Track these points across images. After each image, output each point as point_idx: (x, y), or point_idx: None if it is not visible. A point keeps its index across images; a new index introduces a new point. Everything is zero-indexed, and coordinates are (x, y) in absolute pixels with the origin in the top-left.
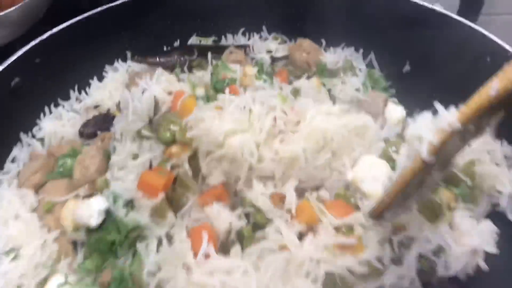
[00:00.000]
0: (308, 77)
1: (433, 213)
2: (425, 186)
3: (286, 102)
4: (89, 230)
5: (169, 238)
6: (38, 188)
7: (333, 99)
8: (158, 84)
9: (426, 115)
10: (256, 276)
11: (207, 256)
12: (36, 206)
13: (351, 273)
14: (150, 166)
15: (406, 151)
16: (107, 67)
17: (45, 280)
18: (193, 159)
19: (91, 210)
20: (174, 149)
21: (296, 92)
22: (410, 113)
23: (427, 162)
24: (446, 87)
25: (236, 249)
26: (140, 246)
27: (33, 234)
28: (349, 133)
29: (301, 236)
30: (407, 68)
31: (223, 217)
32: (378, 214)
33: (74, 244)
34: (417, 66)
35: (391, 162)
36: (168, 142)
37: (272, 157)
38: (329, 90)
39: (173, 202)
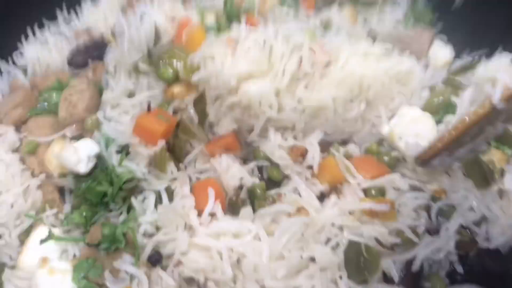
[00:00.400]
0: (340, 4)
1: (483, 177)
2: (481, 138)
3: (314, 38)
4: (78, 177)
5: (170, 193)
6: (19, 125)
7: (371, 34)
8: (160, 9)
9: (503, 57)
10: (269, 242)
11: (213, 216)
12: (18, 146)
13: (379, 243)
14: (149, 108)
15: (471, 94)
16: None
17: (28, 232)
18: (200, 102)
19: (79, 154)
20: (176, 89)
21: (326, 25)
22: (458, 53)
23: (497, 108)
24: (504, 26)
25: (246, 210)
26: (135, 201)
27: (14, 179)
28: (389, 80)
29: (322, 198)
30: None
31: (233, 172)
32: (425, 161)
33: (61, 192)
34: None
35: (437, 115)
36: (170, 80)
37: (295, 106)
38: (364, 21)
39: (175, 151)
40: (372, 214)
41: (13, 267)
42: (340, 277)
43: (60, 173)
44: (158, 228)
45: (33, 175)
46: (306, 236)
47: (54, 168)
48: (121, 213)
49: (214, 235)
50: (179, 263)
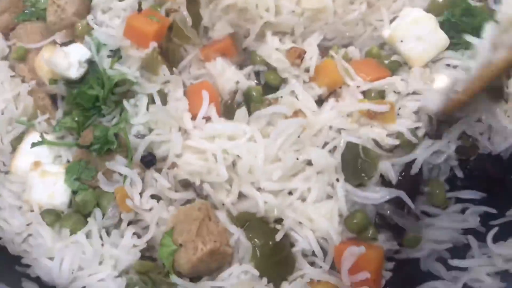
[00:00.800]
0: None
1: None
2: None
3: None
4: (69, 83)
5: (163, 96)
6: (7, 32)
7: None
8: None
9: None
10: (264, 143)
11: (207, 119)
12: (7, 54)
13: (377, 145)
14: (139, 9)
15: (492, 37)
16: None
17: (20, 138)
18: (193, 3)
19: (70, 59)
20: None
21: None
22: None
23: None
24: None
25: (241, 111)
26: (127, 104)
27: (3, 85)
28: None
29: (321, 102)
30: None
31: (228, 75)
32: (449, 113)
33: (53, 99)
34: None
35: (441, 16)
36: None
37: (293, 9)
38: None
39: (169, 56)
40: (371, 116)
41: (6, 173)
42: (337, 180)
43: (50, 80)
44: (150, 130)
45: (23, 82)
46: (302, 139)
47: (44, 75)
48: (113, 118)
49: (208, 138)
50: (173, 165)
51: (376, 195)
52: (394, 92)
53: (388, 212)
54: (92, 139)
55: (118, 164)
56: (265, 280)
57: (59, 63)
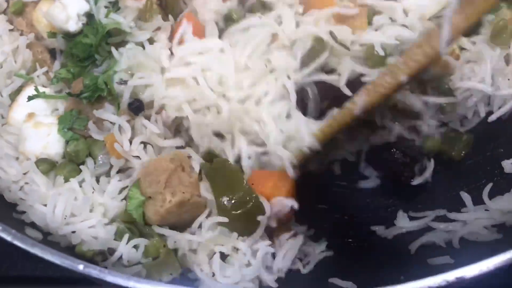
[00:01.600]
0: None
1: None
2: None
3: None
4: (68, 37)
5: (152, 43)
6: None
7: None
8: None
9: None
10: (233, 53)
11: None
12: (5, 8)
13: (342, 45)
14: None
15: None
16: None
17: (19, 91)
18: None
19: (68, 11)
20: None
21: None
22: None
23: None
24: None
25: (211, 27)
26: (115, 51)
27: (2, 39)
28: None
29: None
30: None
31: (211, 5)
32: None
33: (53, 54)
34: None
35: None
36: None
37: None
38: None
39: (168, 8)
40: (341, 20)
41: (4, 124)
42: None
43: (49, 33)
44: (132, 75)
45: (22, 36)
46: (272, 48)
47: (43, 28)
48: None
49: (184, 64)
50: (160, 109)
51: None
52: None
53: None
54: (82, 87)
55: (107, 112)
56: (235, 234)
57: (57, 16)
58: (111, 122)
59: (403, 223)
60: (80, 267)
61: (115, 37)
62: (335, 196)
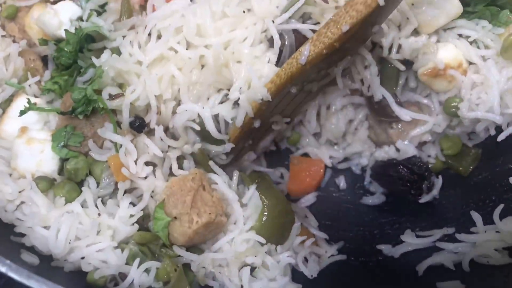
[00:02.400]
0: None
1: None
2: None
3: None
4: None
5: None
6: None
7: None
8: None
9: None
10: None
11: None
12: None
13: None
14: None
15: None
16: None
17: (10, 101)
18: None
19: (60, 17)
20: None
21: None
22: None
23: None
24: None
25: None
26: (95, 60)
27: None
28: None
29: None
30: None
31: None
32: None
33: (45, 61)
34: None
35: None
36: None
37: None
38: None
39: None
40: None
41: None
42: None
43: (40, 40)
44: (120, 85)
45: (13, 42)
46: None
47: (35, 35)
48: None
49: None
50: (159, 111)
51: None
52: None
53: None
54: (72, 103)
55: (108, 131)
56: (266, 247)
57: (49, 22)
58: (111, 141)
59: (410, 239)
60: None
61: (96, 43)
62: (339, 211)
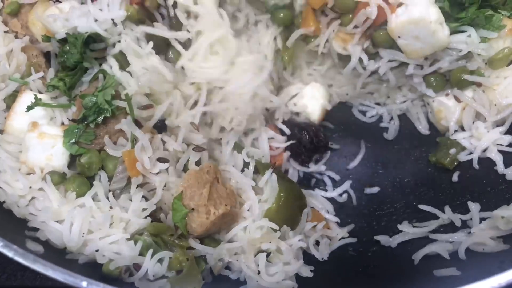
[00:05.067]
0: None
1: None
2: None
3: None
4: (64, 41)
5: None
6: None
7: None
8: None
9: None
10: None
11: None
12: (0, 8)
13: None
14: None
15: None
16: None
17: (14, 96)
18: None
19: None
20: None
21: None
22: None
23: None
24: None
25: None
26: (107, 66)
27: None
28: None
29: None
30: None
31: None
32: None
33: (48, 57)
34: None
35: None
36: None
37: None
38: None
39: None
40: None
41: (1, 132)
42: None
43: (44, 37)
44: (149, 95)
45: (16, 37)
46: None
47: (38, 31)
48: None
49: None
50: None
51: None
52: None
53: None
54: (82, 109)
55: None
56: (279, 232)
57: (54, 21)
58: (125, 139)
59: (407, 229)
60: (84, 284)
61: (97, 43)
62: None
